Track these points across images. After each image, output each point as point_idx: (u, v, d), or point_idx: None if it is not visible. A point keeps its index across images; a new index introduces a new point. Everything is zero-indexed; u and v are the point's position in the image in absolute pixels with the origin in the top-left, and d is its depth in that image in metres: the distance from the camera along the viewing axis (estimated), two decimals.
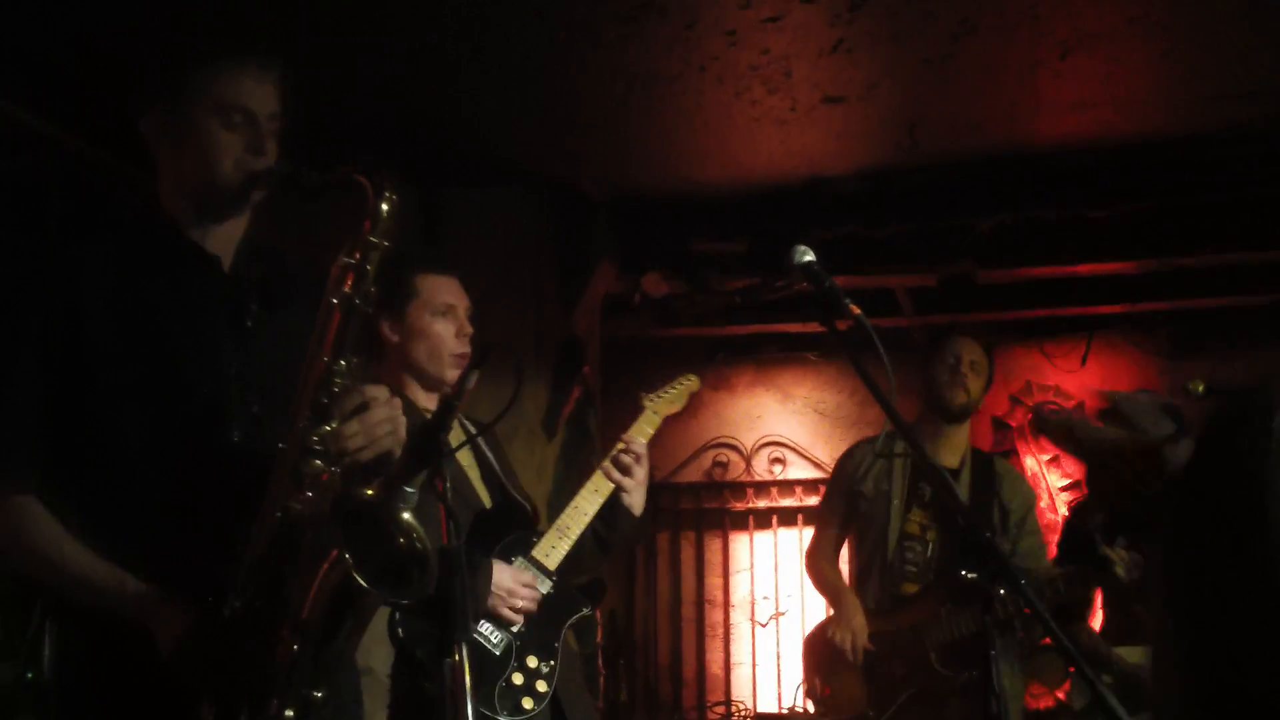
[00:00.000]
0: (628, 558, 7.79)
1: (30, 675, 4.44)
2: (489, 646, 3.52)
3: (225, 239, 2.68)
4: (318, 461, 2.39)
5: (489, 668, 3.49)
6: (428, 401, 3.83)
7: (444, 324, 3.80)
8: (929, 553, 4.94)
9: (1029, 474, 7.39)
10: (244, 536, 2.39)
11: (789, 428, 7.85)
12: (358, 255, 2.44)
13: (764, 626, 7.65)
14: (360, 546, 2.28)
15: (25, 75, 4.64)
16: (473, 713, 3.23)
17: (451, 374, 3.77)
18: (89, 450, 2.50)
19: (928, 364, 5.09)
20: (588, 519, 3.83)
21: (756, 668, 7.63)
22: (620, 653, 7.22)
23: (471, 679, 3.33)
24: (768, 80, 5.04)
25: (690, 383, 4.31)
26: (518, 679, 3.53)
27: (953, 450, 5.09)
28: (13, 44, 4.55)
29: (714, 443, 7.86)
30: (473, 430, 3.94)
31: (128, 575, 2.41)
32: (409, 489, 2.32)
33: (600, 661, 6.66)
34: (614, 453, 3.90)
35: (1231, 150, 5.72)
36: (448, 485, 2.20)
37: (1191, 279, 6.69)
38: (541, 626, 3.65)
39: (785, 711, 7.12)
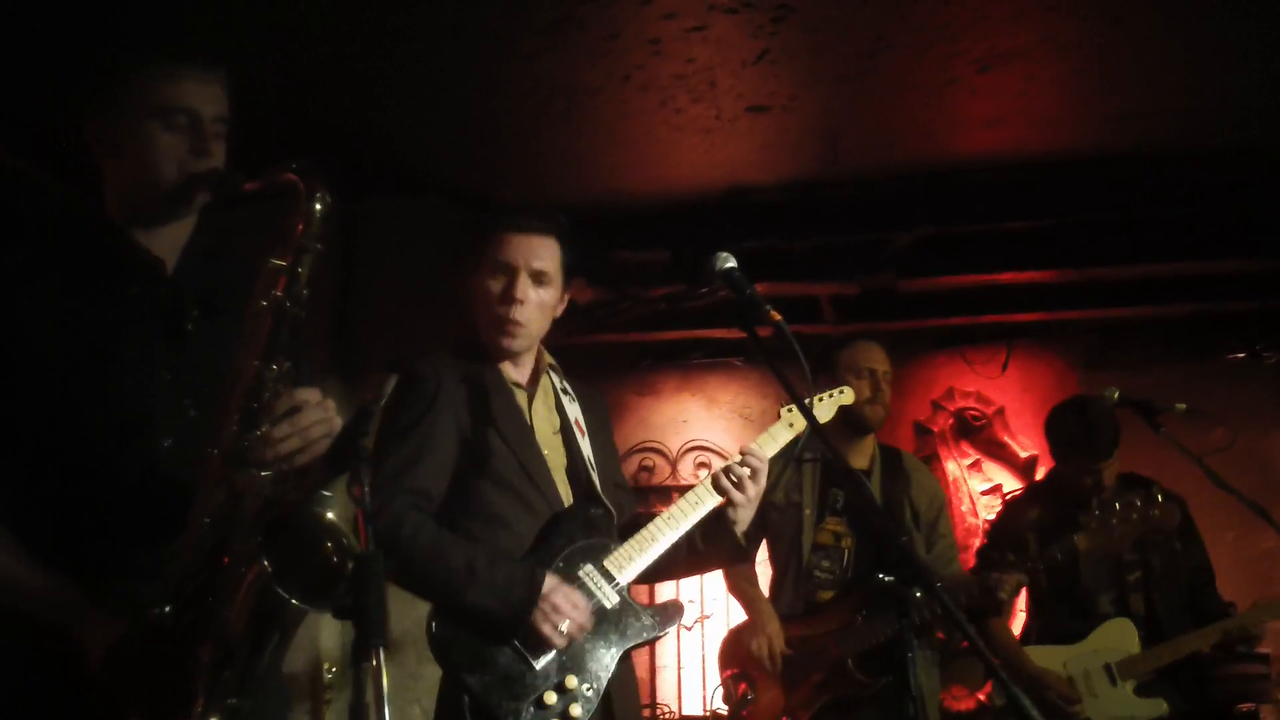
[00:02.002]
0: None
1: None
2: (529, 658, 3.25)
3: (170, 243, 2.65)
4: (249, 468, 2.35)
5: (520, 684, 3.23)
6: (515, 374, 3.55)
7: (495, 283, 3.49)
8: (844, 560, 4.96)
9: (951, 479, 7.48)
10: (174, 544, 2.37)
11: (714, 432, 7.89)
12: (289, 258, 2.41)
13: (689, 630, 7.68)
14: (283, 556, 2.25)
15: None
16: None
17: (497, 338, 3.49)
18: (21, 452, 2.46)
19: (838, 377, 4.94)
20: (680, 531, 3.48)
21: (682, 671, 7.65)
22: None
23: (499, 694, 3.18)
24: (692, 89, 5.08)
25: (842, 395, 4.06)
26: (550, 699, 3.23)
27: (862, 453, 5.12)
28: None
29: (639, 447, 7.88)
30: (572, 398, 3.64)
31: (59, 580, 2.39)
32: (326, 493, 2.33)
33: None
34: (730, 461, 3.53)
35: (1142, 168, 5.85)
36: (365, 490, 2.21)
37: (1108, 290, 6.83)
38: (596, 645, 3.35)
39: (710, 714, 7.16)
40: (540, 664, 3.25)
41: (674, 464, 7.89)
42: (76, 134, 2.64)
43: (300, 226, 2.43)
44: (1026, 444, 7.49)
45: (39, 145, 4.57)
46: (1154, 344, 7.28)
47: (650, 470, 7.88)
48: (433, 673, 5.76)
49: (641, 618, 3.42)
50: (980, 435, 7.65)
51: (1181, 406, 5.09)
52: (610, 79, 4.93)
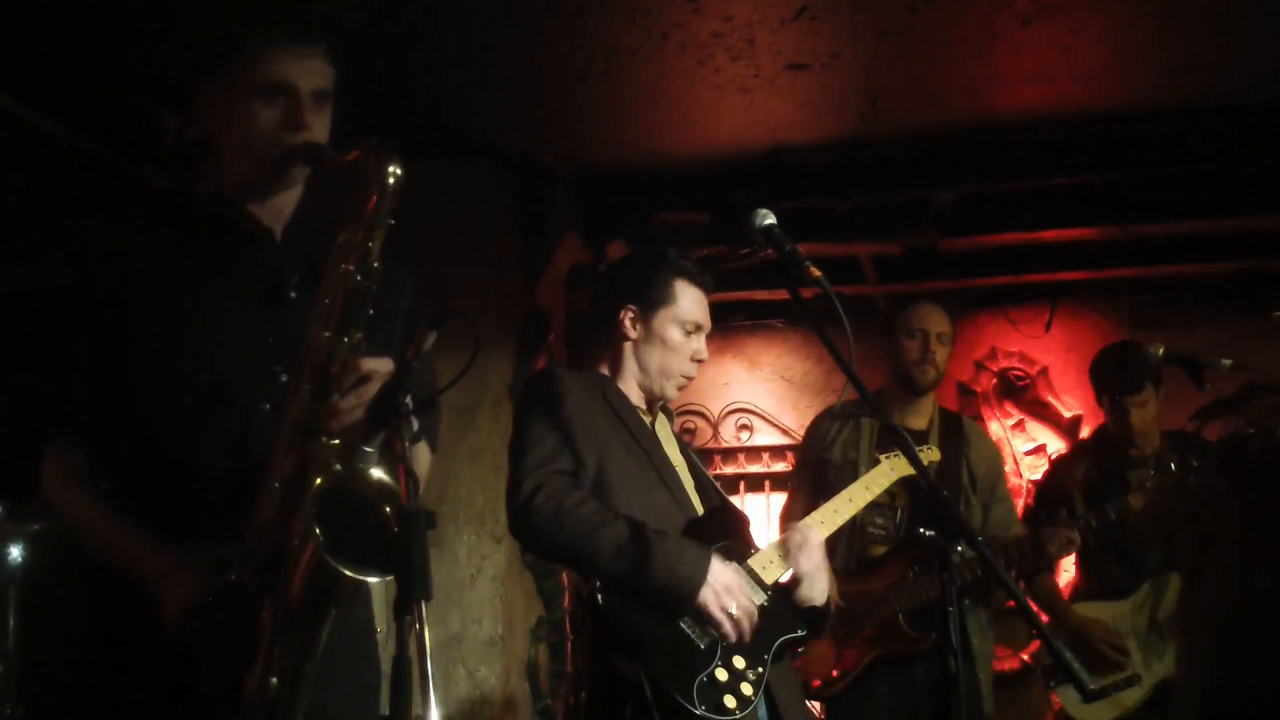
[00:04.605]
0: None
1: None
2: (693, 637, 3.31)
3: (279, 213, 2.73)
4: (318, 436, 2.41)
5: (688, 658, 3.28)
6: (638, 399, 3.75)
7: (688, 343, 3.75)
8: (898, 518, 4.99)
9: (994, 439, 7.45)
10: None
11: (756, 395, 7.88)
12: (362, 233, 2.46)
13: None
14: (336, 525, 2.29)
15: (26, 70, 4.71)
16: (666, 699, 3.17)
17: (673, 394, 3.75)
18: (125, 412, 2.56)
19: (893, 337, 5.12)
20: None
21: None
22: (588, 620, 7.23)
23: (668, 665, 3.23)
24: (731, 48, 5.04)
25: (929, 451, 4.45)
26: (721, 675, 3.28)
27: (920, 413, 5.14)
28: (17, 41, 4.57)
29: (681, 410, 7.84)
30: (671, 418, 3.84)
31: (148, 535, 2.48)
32: (368, 449, 2.35)
33: (568, 627, 6.70)
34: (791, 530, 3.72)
35: (1189, 123, 5.78)
36: (407, 445, 2.23)
37: (1154, 247, 6.75)
38: (752, 635, 3.40)
39: None
40: (705, 643, 3.32)
41: (716, 427, 7.89)
42: (191, 111, 2.72)
43: (374, 201, 2.46)
44: (1071, 404, 7.44)
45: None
46: (1200, 302, 7.21)
47: (692, 433, 7.88)
48: (475, 634, 5.84)
49: (791, 616, 3.51)
50: (1024, 395, 7.61)
51: (1227, 362, 5.06)
52: (649, 38, 4.90)
